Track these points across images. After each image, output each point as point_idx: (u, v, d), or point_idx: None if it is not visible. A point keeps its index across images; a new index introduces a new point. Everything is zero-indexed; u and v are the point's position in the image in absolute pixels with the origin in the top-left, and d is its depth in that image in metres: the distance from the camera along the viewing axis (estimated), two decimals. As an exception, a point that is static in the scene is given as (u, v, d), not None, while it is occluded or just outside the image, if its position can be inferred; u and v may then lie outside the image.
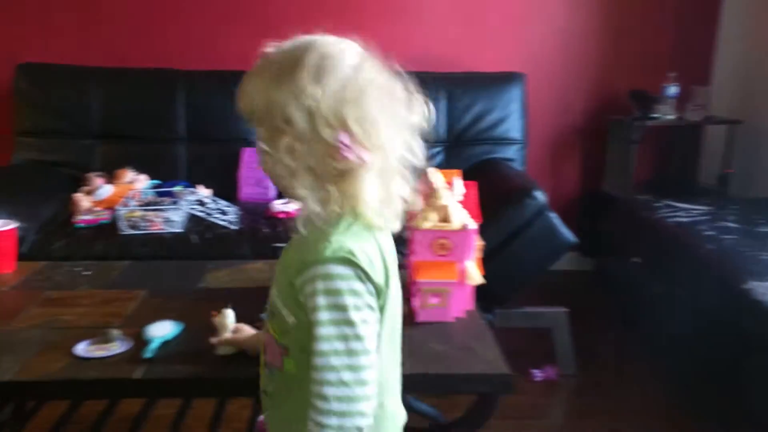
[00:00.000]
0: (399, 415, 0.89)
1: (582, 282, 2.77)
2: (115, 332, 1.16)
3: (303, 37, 0.78)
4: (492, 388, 1.12)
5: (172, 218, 1.99)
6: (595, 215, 2.63)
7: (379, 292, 0.76)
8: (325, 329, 0.73)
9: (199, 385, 1.09)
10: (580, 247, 2.33)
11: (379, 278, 0.76)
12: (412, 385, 1.13)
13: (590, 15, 2.75)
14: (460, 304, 1.26)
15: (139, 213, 1.97)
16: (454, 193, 1.24)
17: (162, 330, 1.17)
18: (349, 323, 0.73)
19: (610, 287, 2.71)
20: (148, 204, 2.07)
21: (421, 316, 1.24)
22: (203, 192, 2.20)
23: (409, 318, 1.28)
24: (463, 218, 1.21)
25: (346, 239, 0.74)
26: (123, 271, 1.54)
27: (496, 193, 1.97)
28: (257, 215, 2.15)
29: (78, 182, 2.28)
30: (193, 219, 2.05)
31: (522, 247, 1.89)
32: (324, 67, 0.73)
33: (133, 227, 1.95)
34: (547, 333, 2.05)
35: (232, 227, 2.02)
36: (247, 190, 2.38)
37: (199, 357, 1.12)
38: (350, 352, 0.73)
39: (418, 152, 0.79)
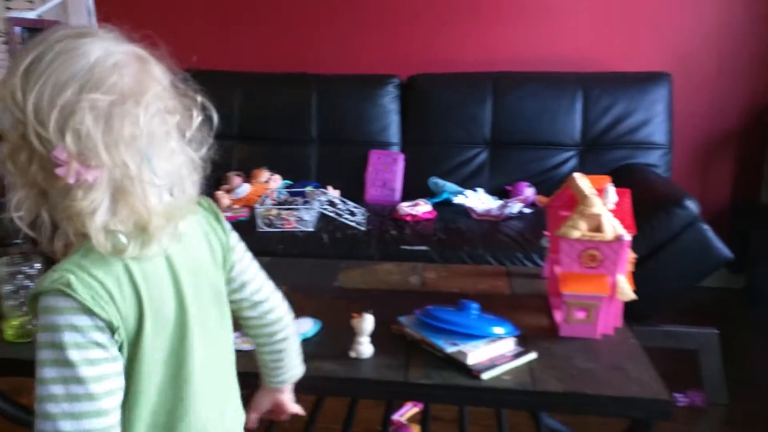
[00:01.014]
0: None
1: (731, 300, 2.51)
2: (259, 327, 1.20)
3: (50, 31, 0.67)
4: (647, 413, 1.02)
5: (305, 217, 2.05)
6: (747, 227, 2.37)
7: (117, 328, 0.66)
8: (43, 371, 0.63)
9: (337, 383, 1.09)
10: (730, 262, 2.12)
11: (112, 312, 0.65)
12: (553, 403, 1.07)
13: (747, 6, 2.48)
14: (609, 321, 1.17)
15: (275, 211, 2.04)
16: (606, 201, 1.15)
17: (303, 327, 1.20)
18: (69, 364, 0.63)
19: (764, 307, 2.44)
20: (281, 203, 2.15)
21: (564, 331, 1.17)
22: (332, 193, 2.25)
23: (550, 332, 1.22)
24: (616, 228, 1.12)
25: (73, 267, 0.65)
26: (265, 267, 1.59)
27: (640, 202, 1.83)
28: (384, 217, 2.16)
29: (219, 181, 2.42)
30: (323, 219, 2.10)
31: (669, 261, 1.74)
32: (34, 71, 0.63)
33: (269, 225, 2.04)
34: (691, 355, 1.87)
35: (361, 228, 2.05)
36: (373, 192, 2.41)
37: (336, 356, 1.13)
38: (70, 397, 0.63)
39: (195, 159, 0.74)
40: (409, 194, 2.39)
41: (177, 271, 0.73)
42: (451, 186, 2.34)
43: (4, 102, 0.63)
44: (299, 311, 1.28)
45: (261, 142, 2.56)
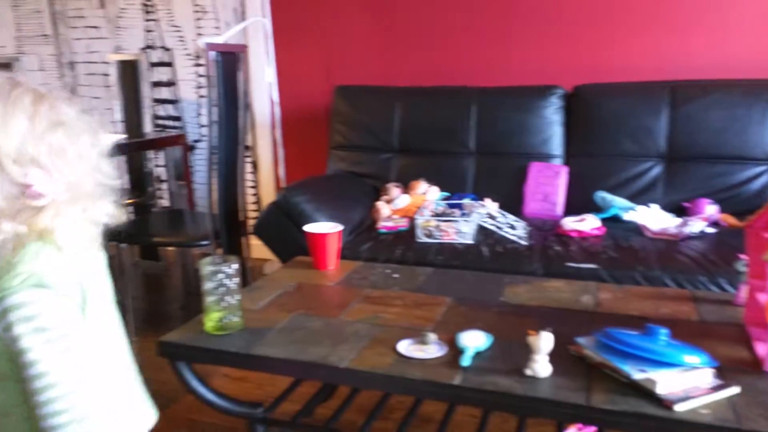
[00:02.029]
0: None
1: None
2: (432, 336, 1.21)
3: None
4: None
5: (464, 229, 2.05)
6: None
7: None
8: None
9: (513, 400, 1.07)
10: None
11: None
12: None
13: None
14: (829, 358, 1.03)
15: (434, 223, 2.07)
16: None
17: (475, 340, 1.19)
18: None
19: None
20: (439, 214, 2.17)
21: (773, 365, 1.04)
22: (491, 205, 2.23)
23: (752, 365, 1.09)
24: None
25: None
26: (428, 277, 1.62)
27: None
28: (546, 232, 2.09)
29: (378, 191, 2.51)
30: (482, 231, 2.08)
31: None
32: (5, 113, 0.76)
33: (429, 236, 2.06)
34: None
35: (522, 242, 2.00)
36: (532, 206, 2.35)
37: (510, 372, 1.10)
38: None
39: (110, 174, 0.84)
40: (571, 209, 2.29)
41: None
42: (620, 201, 2.21)
43: None
44: (467, 323, 1.28)
45: (419, 154, 2.61)
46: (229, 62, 2.25)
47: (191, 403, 1.97)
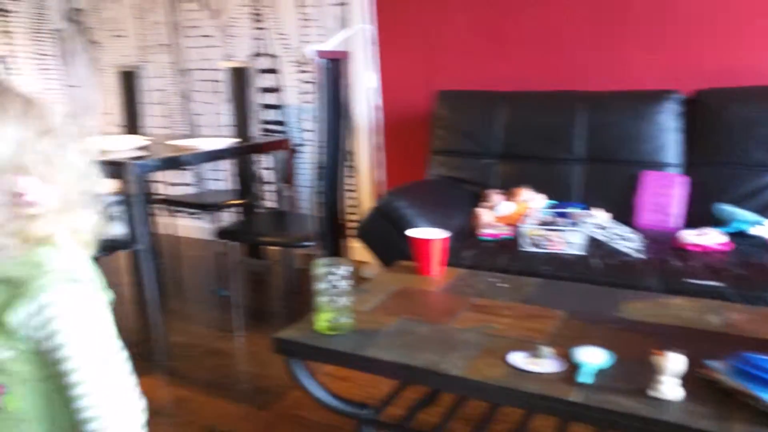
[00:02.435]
0: None
1: None
2: (547, 349, 1.17)
3: None
4: None
5: (572, 239, 1.98)
6: None
7: None
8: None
9: (638, 422, 1.01)
10: None
11: None
12: None
13: None
14: None
15: (541, 231, 2.01)
16: None
17: (595, 357, 1.14)
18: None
19: None
20: (545, 223, 2.10)
21: None
22: (601, 215, 2.13)
23: None
24: None
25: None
26: (537, 288, 1.57)
27: None
28: (662, 244, 1.97)
29: (477, 197, 2.47)
30: (592, 242, 2.00)
31: None
32: None
33: (535, 245, 2.00)
34: None
35: (636, 255, 1.90)
36: (645, 217, 2.22)
37: (634, 392, 1.05)
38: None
39: (97, 182, 0.83)
40: (689, 221, 2.15)
41: None
42: (744, 214, 2.04)
43: None
44: (583, 339, 1.23)
45: (522, 160, 2.55)
46: (335, 68, 2.30)
47: (297, 399, 2.03)
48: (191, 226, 4.01)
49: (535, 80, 2.69)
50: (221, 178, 3.80)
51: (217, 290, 3.07)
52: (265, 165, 3.46)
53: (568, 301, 1.48)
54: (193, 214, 4.00)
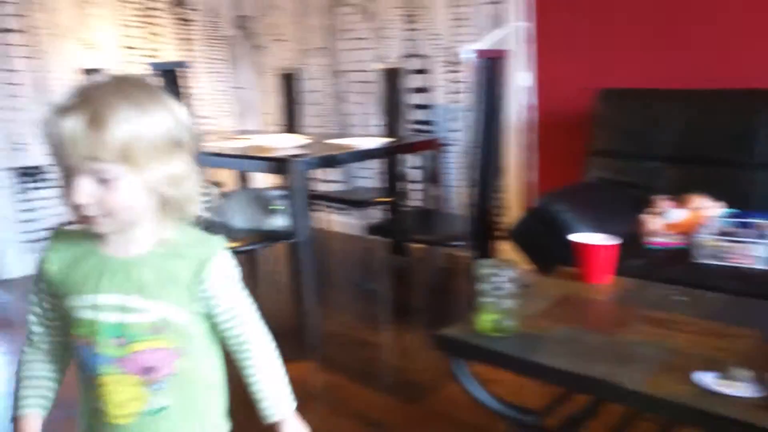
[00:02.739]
0: None
1: None
2: (745, 372, 1.06)
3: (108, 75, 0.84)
4: None
5: (758, 253, 1.77)
6: None
7: None
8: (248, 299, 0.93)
9: None
10: None
11: None
12: None
13: None
14: None
15: (722, 243, 1.83)
16: None
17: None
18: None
19: None
20: (724, 234, 1.91)
21: None
22: (793, 227, 1.89)
23: None
24: None
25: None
26: (723, 305, 1.43)
27: None
28: None
29: (641, 203, 2.31)
30: (783, 257, 1.78)
31: None
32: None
33: (713, 257, 1.83)
34: None
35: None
36: None
37: None
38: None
39: None
40: None
41: None
42: None
43: (173, 121, 0.86)
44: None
45: (693, 164, 2.34)
46: (492, 68, 2.27)
47: (446, 396, 2.04)
48: (338, 221, 4.18)
49: (708, 77, 2.45)
50: (369, 176, 3.92)
51: (364, 284, 3.18)
52: (412, 164, 3.52)
53: (759, 320, 1.33)
54: (341, 209, 4.17)
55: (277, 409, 0.97)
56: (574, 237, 1.60)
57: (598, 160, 2.56)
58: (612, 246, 1.55)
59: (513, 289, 1.30)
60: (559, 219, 2.03)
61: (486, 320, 1.32)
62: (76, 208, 0.80)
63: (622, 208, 2.27)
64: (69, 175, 0.79)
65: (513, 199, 3.17)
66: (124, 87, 0.82)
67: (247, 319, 0.93)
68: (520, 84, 2.99)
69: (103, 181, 0.79)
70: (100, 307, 0.84)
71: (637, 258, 1.93)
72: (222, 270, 0.89)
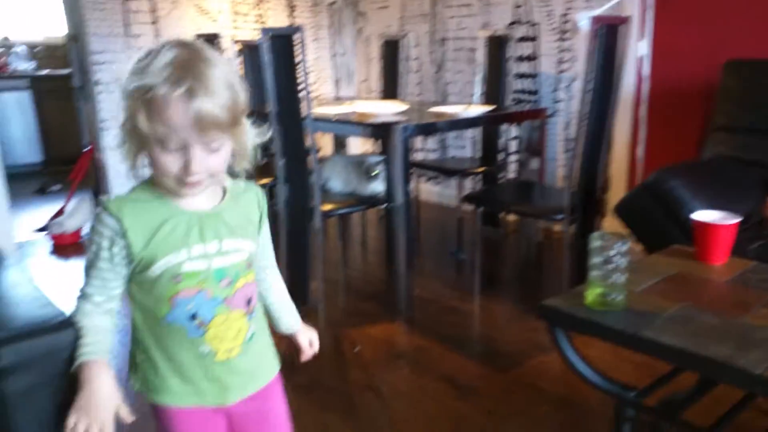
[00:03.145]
0: None
1: None
2: None
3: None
4: None
5: None
6: None
7: None
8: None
9: None
10: None
11: None
12: None
13: None
14: None
15: None
16: None
17: None
18: None
19: None
20: None
21: None
22: None
23: None
24: None
25: None
26: None
27: None
28: None
29: (764, 183, 2.14)
30: None
31: None
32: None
33: None
34: None
35: None
36: None
37: None
38: None
39: None
40: None
41: None
42: None
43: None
44: None
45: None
46: (609, 35, 2.16)
47: (535, 368, 2.03)
48: (431, 190, 4.19)
49: None
50: (463, 145, 3.88)
51: (455, 253, 3.18)
52: (511, 135, 3.44)
53: None
54: (433, 178, 4.17)
55: (296, 319, 1.16)
56: (695, 215, 1.51)
57: (720, 136, 2.38)
58: (732, 225, 1.46)
59: (625, 263, 1.25)
60: (672, 196, 1.93)
61: (595, 294, 1.28)
62: (183, 176, 0.84)
63: (744, 187, 2.12)
64: (178, 147, 0.82)
65: (617, 174, 3.04)
66: (202, 54, 0.83)
67: (271, 247, 1.10)
68: (638, 53, 2.82)
69: (212, 150, 0.85)
70: (207, 255, 0.90)
71: (758, 240, 1.80)
72: (265, 205, 1.04)
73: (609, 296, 1.27)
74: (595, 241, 1.29)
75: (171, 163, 0.83)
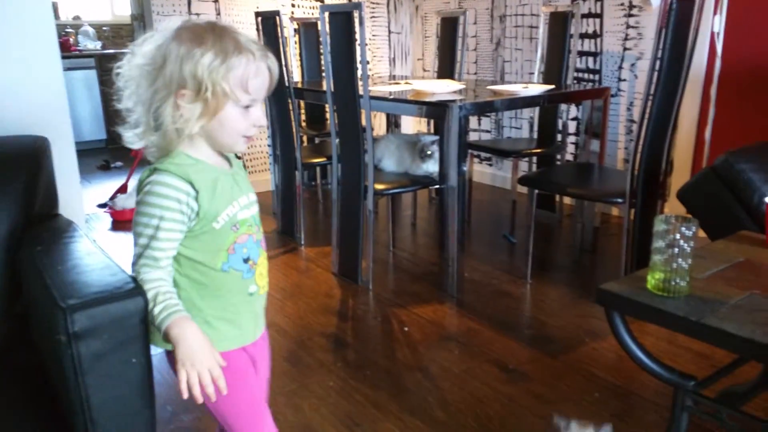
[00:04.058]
0: None
1: None
2: None
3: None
4: None
5: None
6: None
7: None
8: None
9: None
10: None
11: None
12: None
13: None
14: None
15: None
16: None
17: None
18: None
19: None
20: None
21: None
22: None
23: None
24: None
25: None
26: None
27: None
28: None
29: None
30: None
31: None
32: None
33: None
34: None
35: None
36: None
37: None
38: None
39: None
40: None
41: None
42: None
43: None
44: None
45: None
46: (682, 11, 2.04)
47: (587, 353, 1.99)
48: (486, 172, 4.13)
49: None
50: (520, 126, 3.79)
51: (508, 236, 3.13)
52: (570, 115, 3.34)
53: None
54: (486, 160, 4.10)
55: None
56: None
57: (796, 118, 2.24)
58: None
59: (689, 248, 1.20)
60: (742, 179, 1.83)
61: (656, 278, 1.24)
62: (247, 131, 0.99)
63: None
64: (248, 105, 0.96)
65: (682, 156, 2.91)
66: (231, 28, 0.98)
67: None
68: (711, 30, 2.67)
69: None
70: (247, 205, 1.04)
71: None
72: None
73: (671, 282, 1.22)
74: (659, 224, 1.23)
75: (241, 121, 0.97)
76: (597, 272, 2.72)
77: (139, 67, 0.94)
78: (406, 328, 2.22)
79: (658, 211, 2.30)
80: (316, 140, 3.66)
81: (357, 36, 2.30)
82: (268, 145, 3.93)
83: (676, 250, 1.20)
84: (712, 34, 2.66)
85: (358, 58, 2.36)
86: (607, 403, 1.73)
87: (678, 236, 1.20)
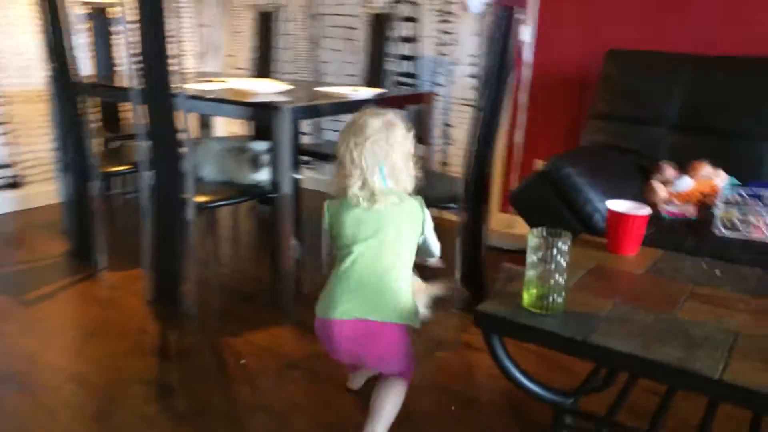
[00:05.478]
0: None
1: None
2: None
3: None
4: None
5: (776, 226, 1.73)
6: None
7: None
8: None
9: None
10: None
11: None
12: None
13: None
14: None
15: (737, 215, 1.77)
16: None
17: None
18: None
19: None
20: (729, 203, 1.85)
21: None
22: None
23: None
24: None
25: None
26: (759, 279, 1.37)
27: None
28: None
29: (644, 170, 2.24)
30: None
31: None
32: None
33: (730, 228, 1.77)
34: None
35: None
36: None
37: None
38: None
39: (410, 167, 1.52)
40: None
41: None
42: None
43: None
44: None
45: (701, 132, 2.27)
46: (506, 19, 2.10)
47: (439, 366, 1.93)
48: (306, 176, 3.96)
49: (723, 42, 2.37)
50: (338, 129, 3.70)
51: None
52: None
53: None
54: (308, 163, 3.95)
55: None
56: (611, 204, 1.49)
57: (598, 124, 2.46)
58: (645, 216, 1.46)
59: (565, 263, 1.17)
60: (570, 183, 1.92)
61: (532, 295, 1.19)
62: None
63: (628, 174, 2.19)
64: None
65: (497, 160, 3.06)
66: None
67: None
68: (522, 39, 2.83)
69: None
70: None
71: (650, 227, 1.85)
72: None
73: (549, 298, 1.18)
74: (532, 238, 1.19)
75: None
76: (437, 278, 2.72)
77: None
78: (242, 361, 1.96)
79: (486, 216, 2.35)
80: (109, 144, 3.17)
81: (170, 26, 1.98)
82: (54, 150, 3.29)
83: (553, 265, 1.17)
84: (521, 42, 2.82)
85: (171, 52, 2.03)
86: (467, 415, 1.69)
87: (555, 251, 1.17)
